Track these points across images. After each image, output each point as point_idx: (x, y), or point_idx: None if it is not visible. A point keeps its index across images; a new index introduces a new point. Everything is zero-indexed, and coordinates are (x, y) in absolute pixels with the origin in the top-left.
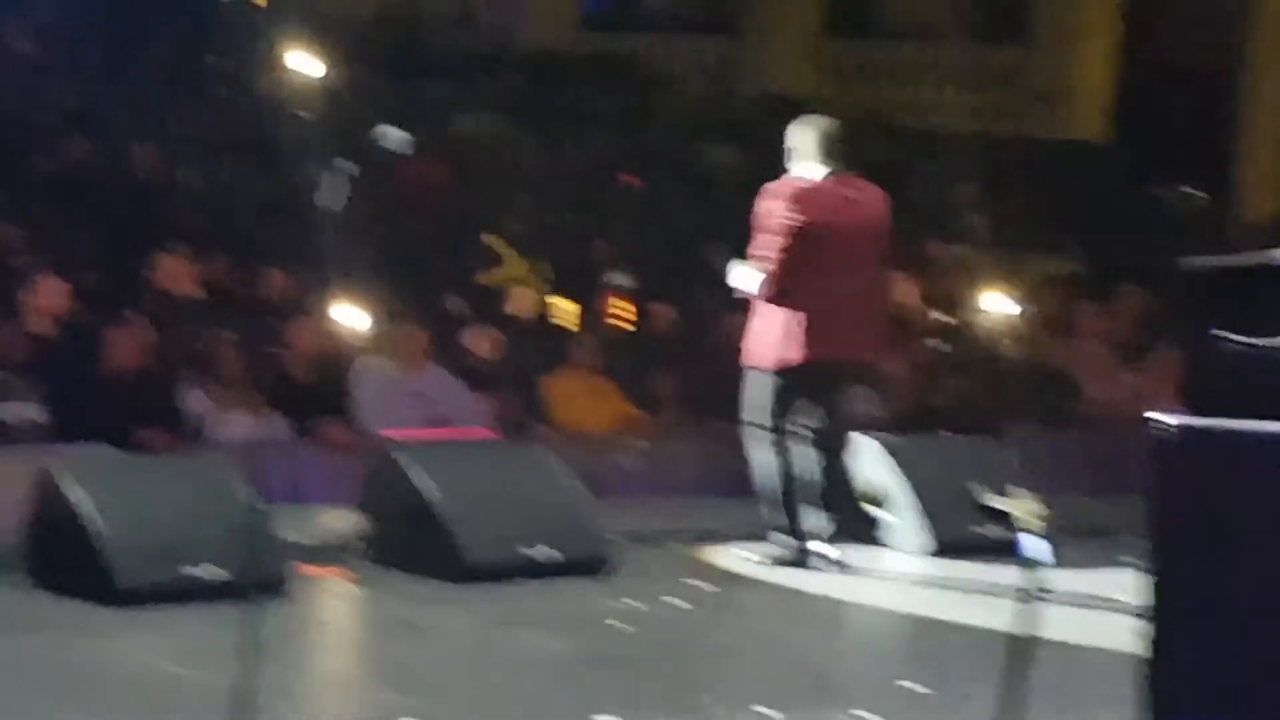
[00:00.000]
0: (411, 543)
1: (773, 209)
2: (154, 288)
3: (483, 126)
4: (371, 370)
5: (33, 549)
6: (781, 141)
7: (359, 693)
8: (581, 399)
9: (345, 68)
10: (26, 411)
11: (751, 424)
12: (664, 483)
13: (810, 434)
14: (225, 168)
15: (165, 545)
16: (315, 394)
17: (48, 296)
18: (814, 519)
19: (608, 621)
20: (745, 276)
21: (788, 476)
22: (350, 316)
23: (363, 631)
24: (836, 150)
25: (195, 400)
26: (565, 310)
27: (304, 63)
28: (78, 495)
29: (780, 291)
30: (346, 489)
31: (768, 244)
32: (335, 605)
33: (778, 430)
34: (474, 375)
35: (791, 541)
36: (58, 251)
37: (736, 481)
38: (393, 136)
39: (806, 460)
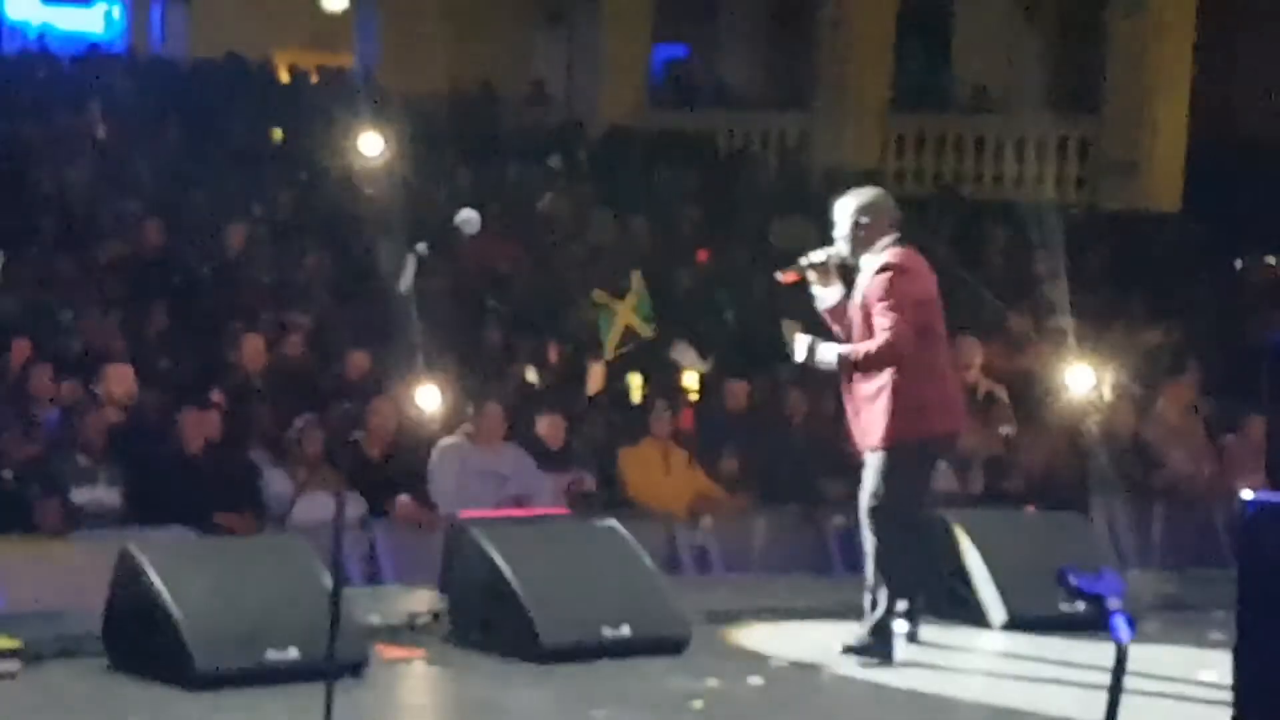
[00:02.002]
0: (489, 623)
1: (878, 283)
2: (232, 369)
3: (557, 204)
4: (448, 449)
5: (113, 632)
6: None
7: None
8: (657, 474)
9: (419, 147)
10: (104, 496)
11: (887, 507)
12: (737, 560)
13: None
14: (300, 248)
15: (244, 628)
16: (391, 473)
17: (120, 382)
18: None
19: (689, 702)
20: (824, 351)
21: (911, 560)
22: (426, 396)
23: (442, 712)
24: (896, 226)
25: (274, 481)
26: (635, 385)
27: (377, 144)
28: (157, 579)
29: (900, 362)
30: (423, 569)
31: (884, 317)
32: (414, 686)
33: (916, 510)
34: (546, 453)
35: (902, 624)
36: (135, 335)
37: (810, 558)
38: (465, 216)
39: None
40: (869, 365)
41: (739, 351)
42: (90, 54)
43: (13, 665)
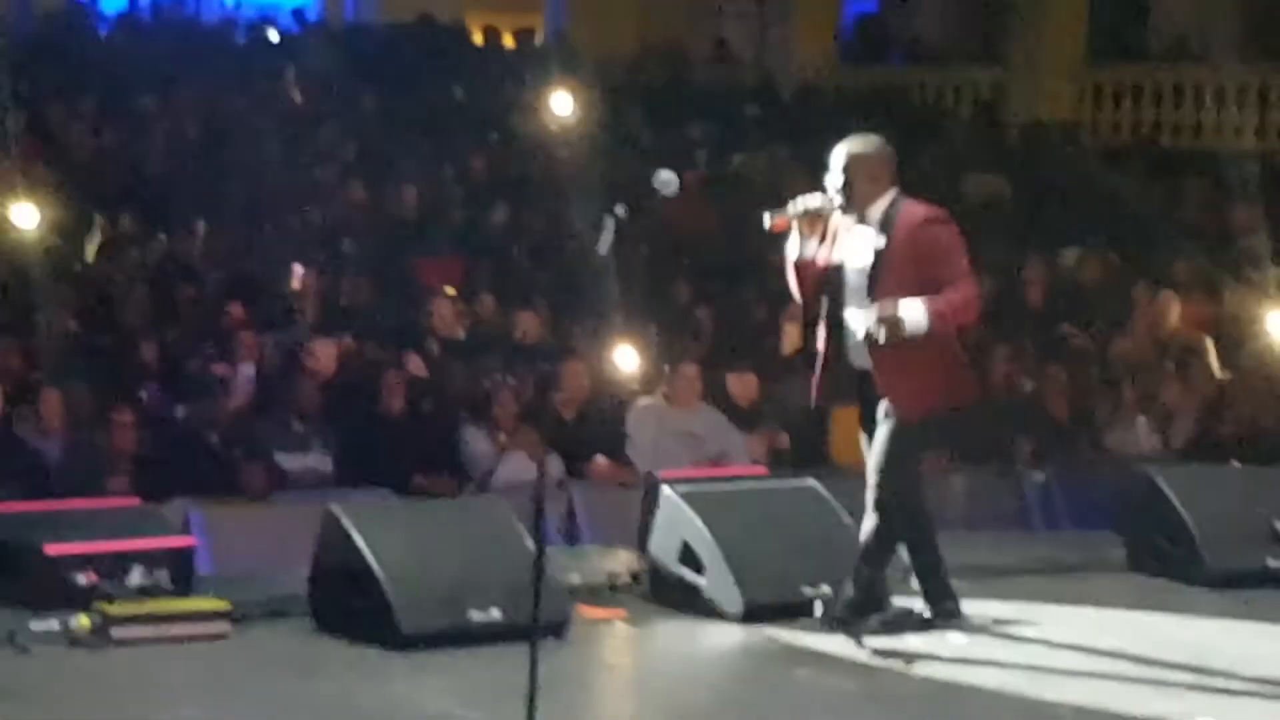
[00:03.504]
0: (689, 582)
1: (943, 235)
2: (429, 332)
3: (749, 164)
4: (645, 410)
5: (318, 594)
6: (1050, 168)
7: None
8: None
9: (609, 108)
10: (311, 461)
11: (903, 480)
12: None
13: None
14: (494, 210)
15: (447, 589)
16: (587, 435)
17: (324, 347)
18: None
19: (889, 660)
20: (909, 309)
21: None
22: (622, 357)
23: (643, 672)
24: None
25: (473, 441)
26: None
27: (568, 104)
28: (361, 540)
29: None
30: (620, 529)
31: (959, 269)
32: (615, 646)
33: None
34: (741, 414)
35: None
36: (334, 300)
37: (1008, 515)
38: (664, 178)
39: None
40: (957, 318)
41: None
42: (286, 21)
43: (223, 626)
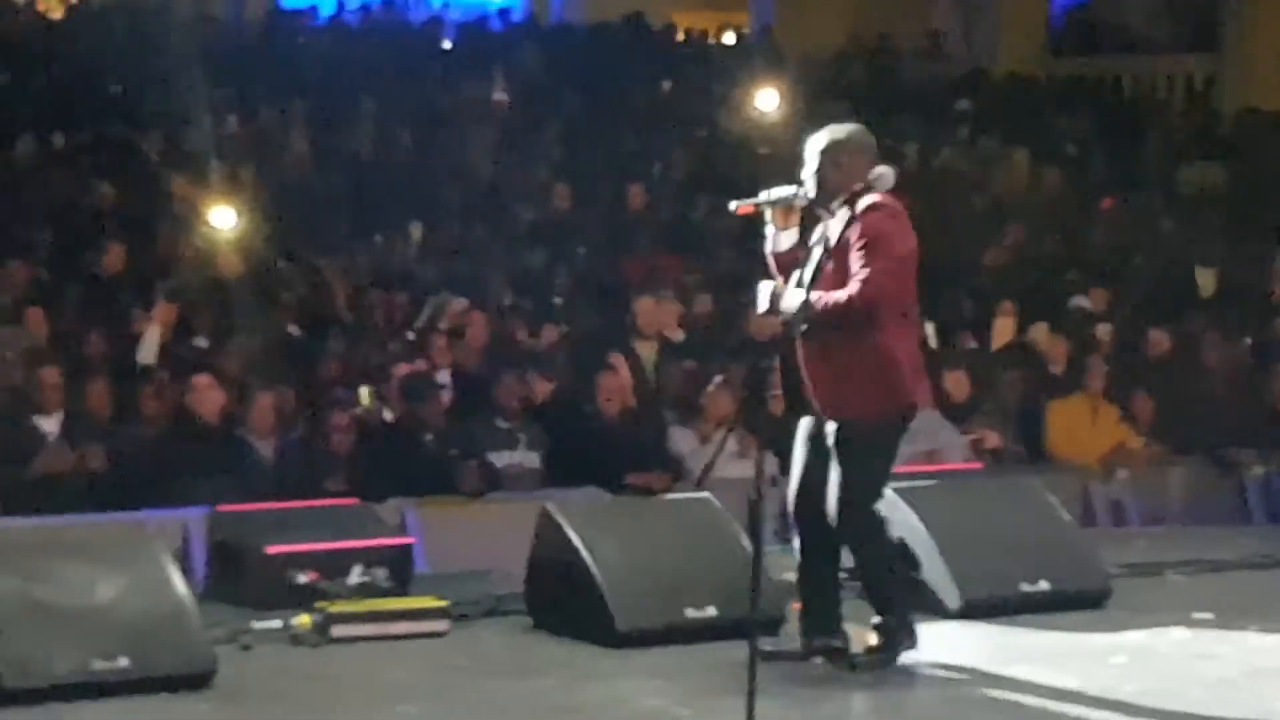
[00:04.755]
0: (906, 579)
1: (870, 225)
2: (638, 331)
3: (958, 156)
4: None
5: (534, 592)
6: (1266, 157)
7: None
8: (1083, 428)
9: (815, 103)
10: (523, 460)
11: (870, 497)
12: (1153, 512)
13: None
14: (701, 207)
15: (663, 587)
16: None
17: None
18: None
19: (1110, 657)
20: (787, 299)
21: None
22: None
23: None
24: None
25: (685, 440)
26: (1041, 336)
27: (774, 100)
28: (576, 539)
29: (867, 311)
30: None
31: (864, 262)
32: None
33: (880, 494)
34: (956, 410)
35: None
36: (542, 299)
37: (1227, 509)
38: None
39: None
40: (837, 315)
41: (1151, 299)
42: (492, 22)
43: (441, 624)
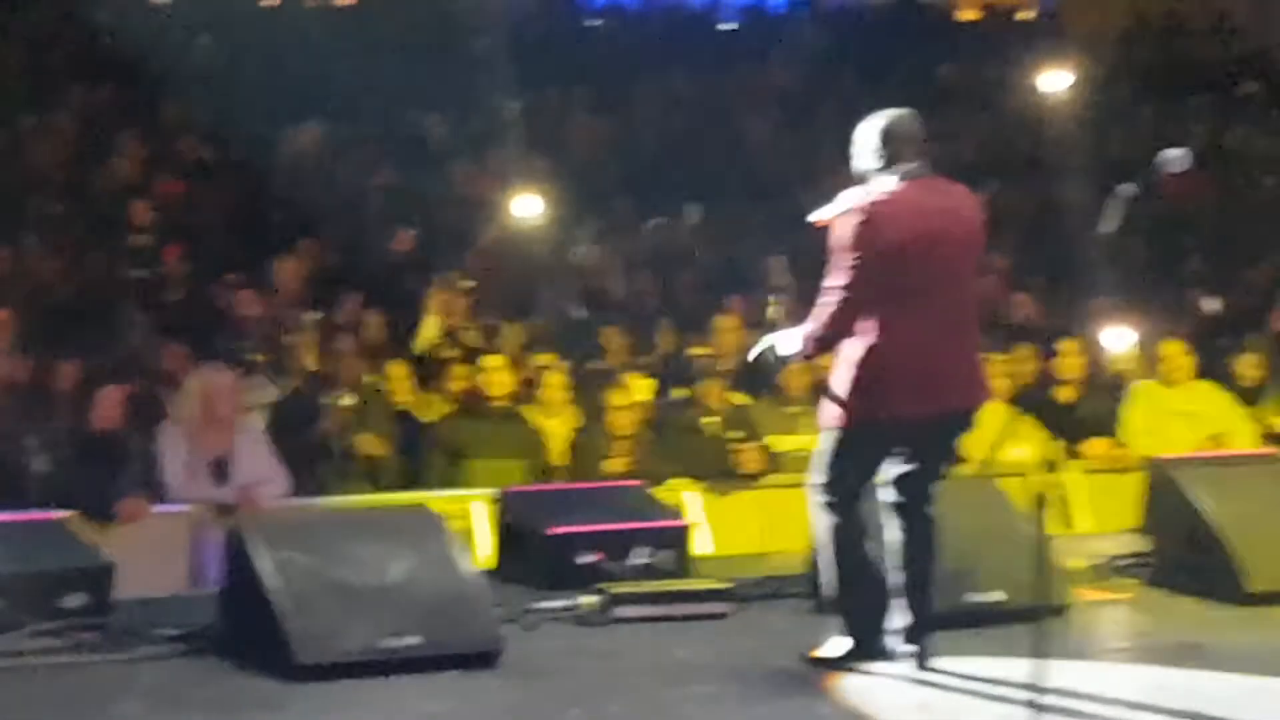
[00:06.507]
0: (1193, 565)
1: (836, 232)
2: None
3: (1249, 137)
4: (1139, 391)
5: (814, 575)
6: None
7: (1139, 717)
8: None
9: (1101, 84)
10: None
11: (830, 493)
12: None
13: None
14: (985, 188)
15: (946, 572)
16: (1082, 416)
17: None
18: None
19: None
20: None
21: (852, 555)
22: (1115, 337)
23: (1145, 655)
24: (909, 150)
25: None
26: None
27: (1059, 82)
28: None
29: (836, 334)
30: (1117, 511)
31: (831, 275)
32: (1116, 630)
33: (845, 493)
34: (1247, 393)
35: (844, 629)
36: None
37: None
38: (1172, 155)
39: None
40: (822, 340)
41: None
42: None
43: (724, 606)
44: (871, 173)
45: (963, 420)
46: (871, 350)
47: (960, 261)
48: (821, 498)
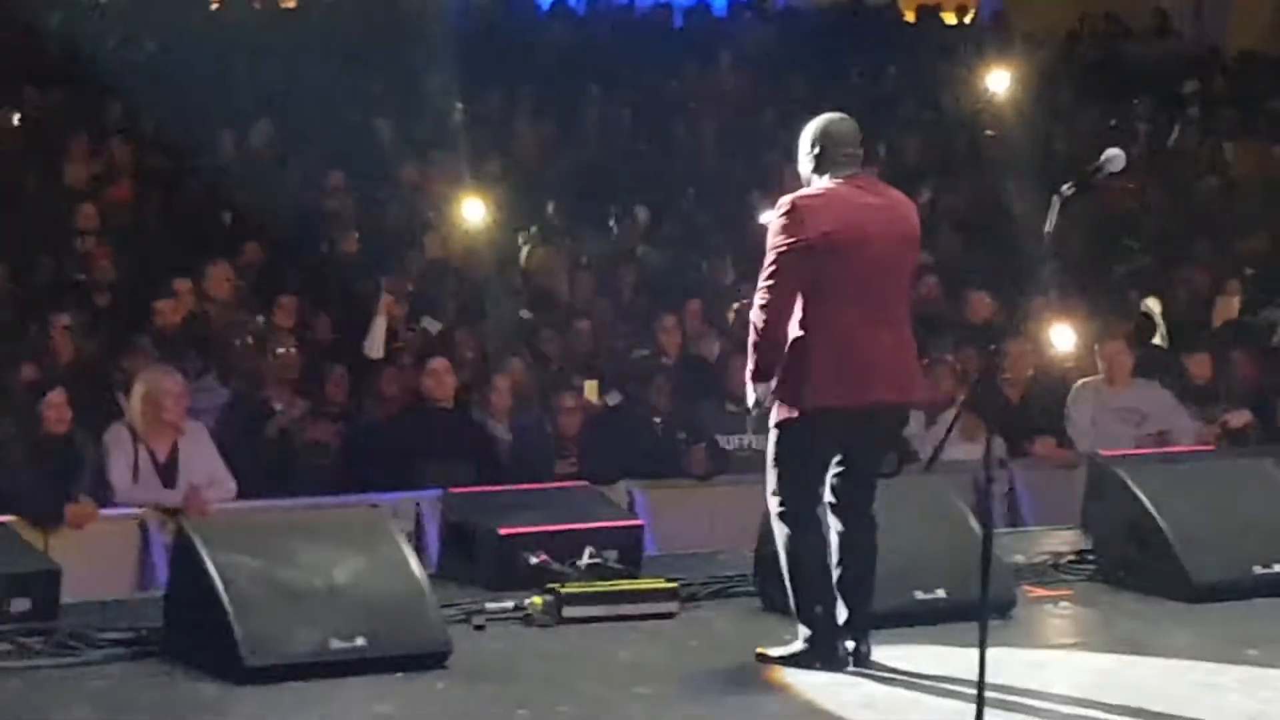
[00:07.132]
0: (1135, 562)
1: (770, 227)
2: None
3: (1188, 137)
4: (1084, 388)
5: (763, 574)
6: None
7: (1083, 713)
8: None
9: (1042, 85)
10: (755, 443)
11: (778, 496)
12: None
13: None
14: (927, 190)
15: (893, 570)
16: (1029, 415)
17: None
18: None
19: None
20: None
21: (809, 563)
22: (1060, 336)
23: (1090, 651)
24: (843, 152)
25: (912, 423)
26: None
27: (1002, 82)
28: None
29: (773, 328)
30: (1061, 509)
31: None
32: (1061, 626)
33: (795, 498)
34: (1197, 393)
35: (804, 633)
36: None
37: None
38: (1110, 154)
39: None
40: (761, 368)
41: None
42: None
43: (671, 606)
44: (808, 175)
45: (894, 415)
46: (796, 343)
47: (892, 260)
48: (776, 507)
